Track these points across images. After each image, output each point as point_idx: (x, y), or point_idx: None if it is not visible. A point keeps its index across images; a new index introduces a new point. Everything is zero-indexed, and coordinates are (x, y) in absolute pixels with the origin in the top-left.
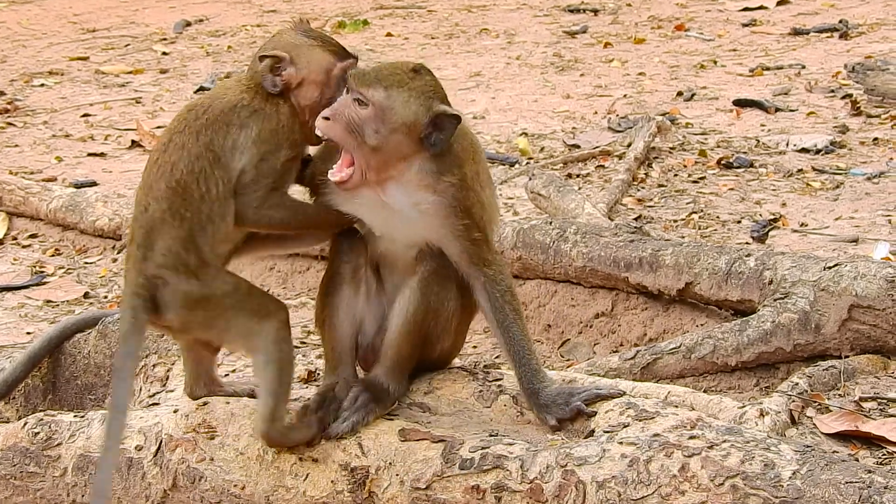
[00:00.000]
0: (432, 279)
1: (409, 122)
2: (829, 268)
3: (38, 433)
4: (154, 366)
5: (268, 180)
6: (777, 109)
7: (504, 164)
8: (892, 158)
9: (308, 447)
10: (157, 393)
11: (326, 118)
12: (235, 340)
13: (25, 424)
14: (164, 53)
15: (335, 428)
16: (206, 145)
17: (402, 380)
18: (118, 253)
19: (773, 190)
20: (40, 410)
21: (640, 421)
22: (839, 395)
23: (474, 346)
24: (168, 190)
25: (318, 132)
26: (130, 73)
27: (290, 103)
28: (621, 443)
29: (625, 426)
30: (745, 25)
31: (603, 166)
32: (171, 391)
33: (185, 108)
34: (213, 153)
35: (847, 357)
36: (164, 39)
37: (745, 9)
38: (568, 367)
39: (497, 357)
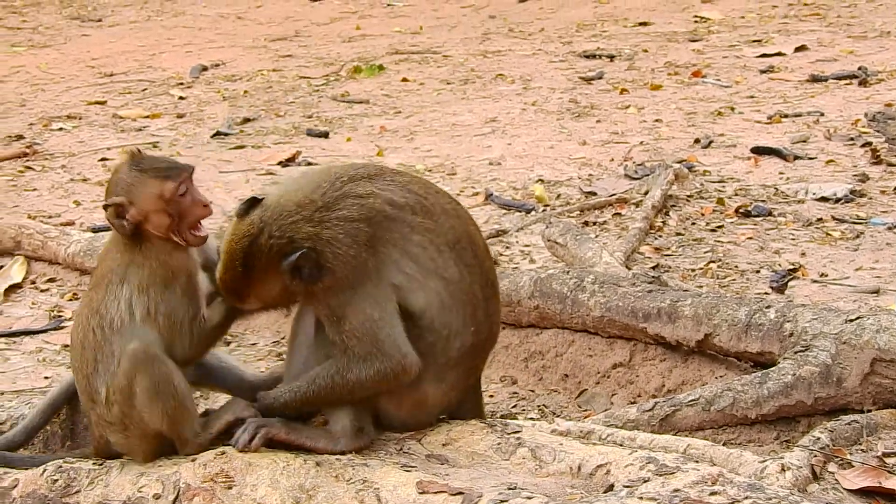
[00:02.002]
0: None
1: (281, 290)
2: (851, 320)
3: (57, 480)
4: None
5: (182, 318)
6: (796, 157)
7: (520, 211)
8: None
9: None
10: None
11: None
12: None
13: (44, 471)
14: (181, 98)
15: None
16: (87, 304)
17: (342, 418)
18: None
19: (793, 239)
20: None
21: (661, 476)
22: (861, 450)
23: (491, 396)
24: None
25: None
26: (147, 117)
27: (155, 239)
28: (641, 498)
29: (645, 481)
30: (762, 72)
31: (620, 214)
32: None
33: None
34: (91, 308)
35: (869, 411)
36: (181, 84)
37: (763, 55)
38: (585, 417)
39: (514, 407)
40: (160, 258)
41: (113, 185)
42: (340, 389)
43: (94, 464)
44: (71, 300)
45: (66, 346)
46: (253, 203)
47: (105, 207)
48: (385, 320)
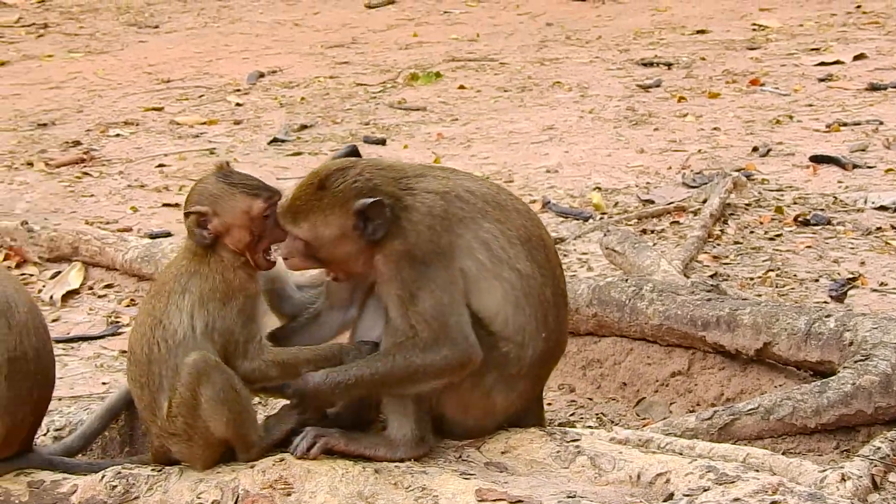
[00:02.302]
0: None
1: (338, 235)
2: None
3: (116, 486)
4: None
5: (237, 338)
6: (854, 166)
7: (578, 219)
8: None
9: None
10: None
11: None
12: None
13: (103, 477)
14: (238, 104)
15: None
16: (149, 313)
17: (404, 426)
18: None
19: (852, 248)
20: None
21: (721, 485)
22: None
23: (549, 404)
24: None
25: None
26: (204, 123)
27: (226, 253)
28: None
29: (705, 490)
30: (821, 80)
31: (678, 222)
32: None
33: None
34: (154, 318)
35: None
36: (238, 90)
37: (821, 63)
38: (644, 426)
39: (572, 415)
40: (225, 274)
41: (197, 194)
42: (401, 374)
43: (152, 470)
44: (128, 306)
45: (124, 352)
46: (352, 152)
47: (187, 215)
48: (454, 306)
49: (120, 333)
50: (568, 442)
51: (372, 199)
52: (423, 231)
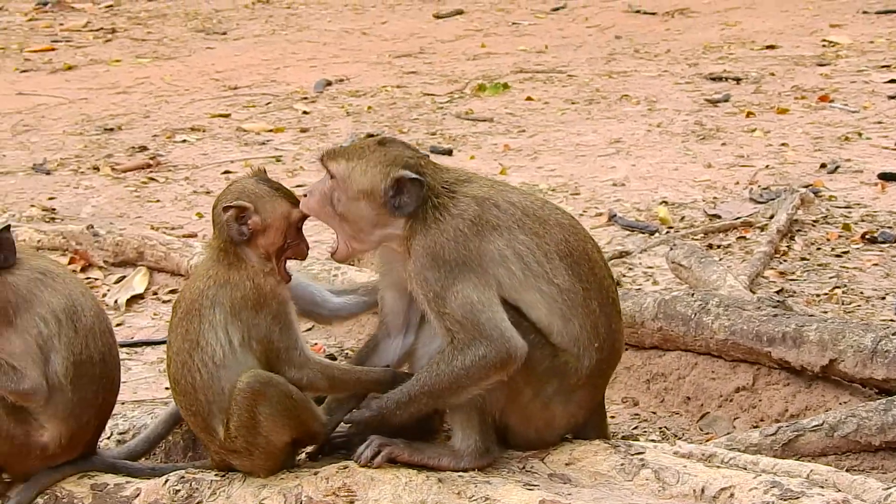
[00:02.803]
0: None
1: (366, 189)
2: None
3: (179, 490)
4: None
5: (277, 346)
6: None
7: (644, 233)
8: None
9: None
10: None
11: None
12: None
13: (167, 481)
14: (305, 112)
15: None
16: (184, 337)
17: (469, 436)
18: None
19: None
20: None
21: (786, 501)
22: None
23: (612, 417)
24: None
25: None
26: (271, 131)
27: (255, 259)
28: None
29: None
30: (891, 98)
31: (744, 237)
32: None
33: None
34: (191, 341)
35: None
36: (305, 98)
37: (892, 80)
38: (707, 440)
39: (635, 429)
40: (255, 280)
41: (237, 192)
42: (447, 380)
43: (216, 475)
44: None
45: None
46: None
47: (226, 209)
48: (485, 304)
49: None
50: (632, 455)
51: (415, 176)
52: (450, 232)
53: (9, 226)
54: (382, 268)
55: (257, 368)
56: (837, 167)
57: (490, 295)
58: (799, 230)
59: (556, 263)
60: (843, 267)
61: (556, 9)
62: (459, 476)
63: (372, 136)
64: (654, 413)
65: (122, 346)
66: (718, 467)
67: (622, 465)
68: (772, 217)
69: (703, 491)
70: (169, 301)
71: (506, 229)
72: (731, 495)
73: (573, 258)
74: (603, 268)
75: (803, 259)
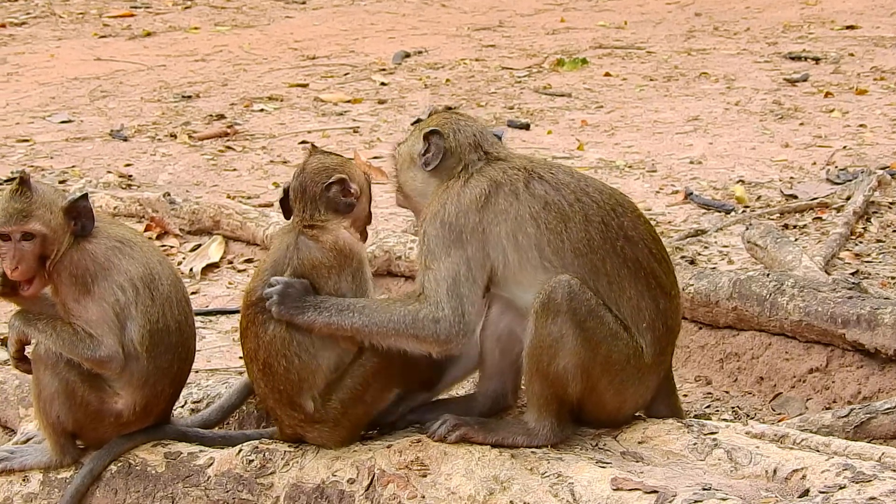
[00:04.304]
0: (544, 317)
1: (411, 159)
2: None
3: (253, 461)
4: None
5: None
6: None
7: (720, 211)
8: None
9: None
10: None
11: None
12: None
13: (240, 451)
14: (383, 84)
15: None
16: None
17: (545, 418)
18: None
19: None
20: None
21: (857, 483)
22: None
23: (685, 395)
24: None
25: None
26: (349, 101)
27: (340, 230)
28: None
29: (841, 488)
30: None
31: (820, 218)
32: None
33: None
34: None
35: None
36: (383, 70)
37: None
38: (779, 421)
39: (707, 407)
40: (333, 243)
41: (324, 168)
42: (390, 319)
43: (289, 446)
44: None
45: None
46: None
47: (331, 185)
48: (469, 283)
49: None
50: (705, 434)
51: (432, 129)
52: (454, 200)
53: (86, 194)
54: None
55: None
56: None
57: (478, 275)
58: (875, 212)
59: (569, 259)
60: None
61: None
62: (532, 452)
63: (450, 108)
64: (727, 392)
65: (197, 314)
66: (791, 448)
67: (695, 444)
68: (848, 198)
69: (775, 472)
70: (244, 270)
71: (514, 219)
72: (803, 476)
73: (597, 255)
74: (645, 254)
75: (879, 241)
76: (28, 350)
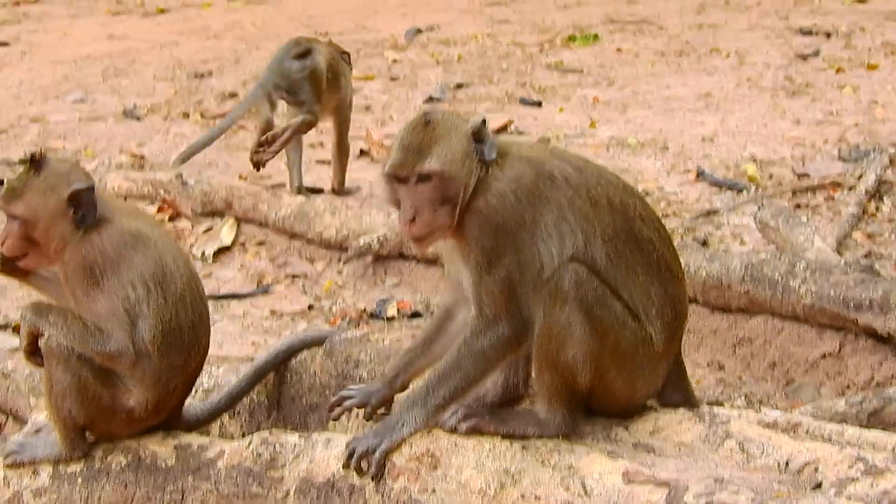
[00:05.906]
0: (552, 305)
1: (463, 153)
2: None
3: (262, 454)
4: None
5: None
6: None
7: (732, 190)
8: None
9: None
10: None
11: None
12: None
13: (250, 444)
14: (395, 61)
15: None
16: None
17: (556, 409)
18: (343, 265)
19: None
20: (264, 428)
21: (870, 475)
22: None
23: (697, 381)
24: None
25: None
26: (361, 79)
27: None
28: (849, 498)
29: (853, 480)
30: None
31: (832, 198)
32: None
33: None
34: None
35: None
36: (395, 46)
37: None
38: (792, 407)
39: (720, 393)
40: None
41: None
42: (477, 365)
43: (299, 437)
44: (281, 266)
45: (273, 311)
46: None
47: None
48: (524, 284)
49: (269, 293)
50: (717, 424)
51: (483, 127)
52: (508, 197)
53: (93, 186)
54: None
55: None
56: None
57: (529, 274)
58: (888, 191)
59: (598, 246)
60: None
61: None
62: (543, 444)
63: (461, 86)
64: (740, 378)
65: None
66: (804, 439)
67: (706, 435)
68: (860, 177)
69: (787, 464)
70: (256, 253)
71: (556, 205)
72: (816, 469)
73: (620, 239)
74: (656, 236)
75: (891, 220)
76: (40, 343)
